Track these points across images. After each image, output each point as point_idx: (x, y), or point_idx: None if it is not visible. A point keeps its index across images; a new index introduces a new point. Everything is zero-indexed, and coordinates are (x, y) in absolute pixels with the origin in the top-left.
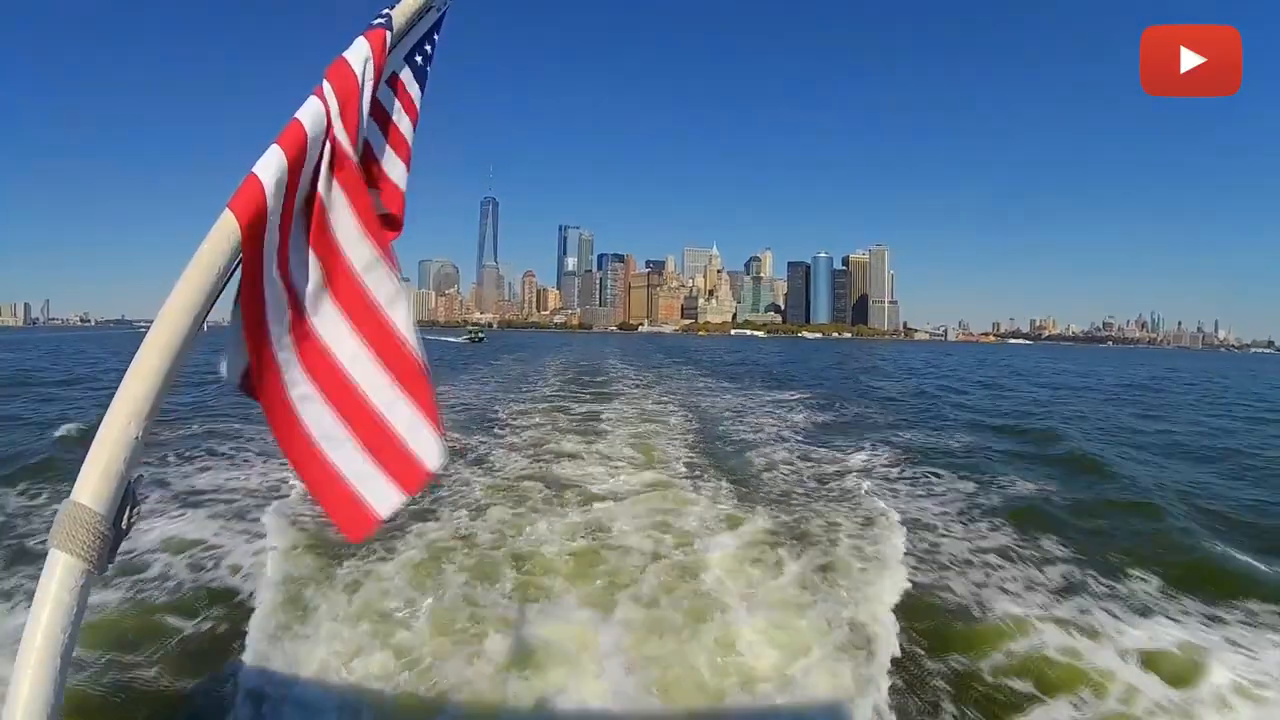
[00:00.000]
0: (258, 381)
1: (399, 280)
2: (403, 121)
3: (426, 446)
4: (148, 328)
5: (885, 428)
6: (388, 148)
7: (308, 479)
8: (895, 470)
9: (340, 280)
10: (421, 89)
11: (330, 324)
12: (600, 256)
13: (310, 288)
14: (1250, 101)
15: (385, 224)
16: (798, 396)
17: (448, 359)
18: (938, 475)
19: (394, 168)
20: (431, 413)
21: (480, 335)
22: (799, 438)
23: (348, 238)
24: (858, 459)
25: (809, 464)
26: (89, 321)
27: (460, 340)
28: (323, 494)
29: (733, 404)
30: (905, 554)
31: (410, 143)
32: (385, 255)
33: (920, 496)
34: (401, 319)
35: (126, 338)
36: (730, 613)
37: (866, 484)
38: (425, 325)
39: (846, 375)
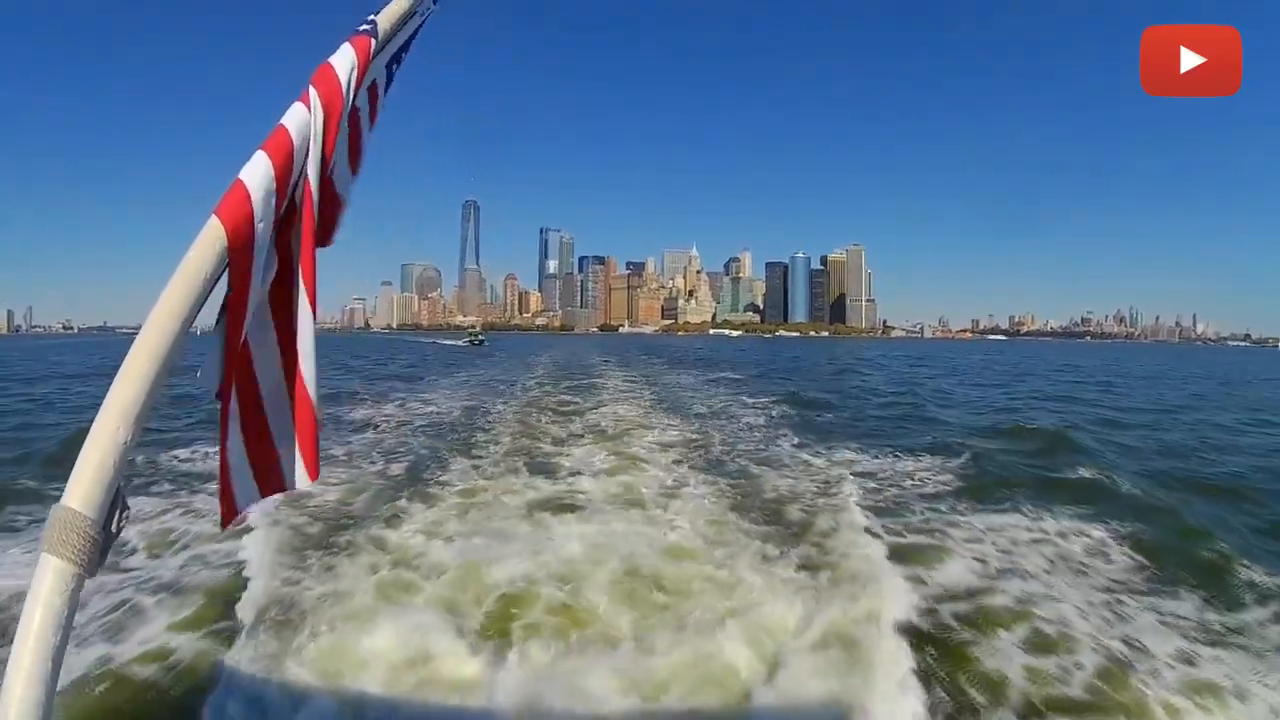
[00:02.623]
0: (224, 383)
1: (311, 300)
2: (366, 131)
3: (289, 462)
4: (129, 334)
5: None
6: (348, 157)
7: (220, 463)
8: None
9: (285, 291)
10: (386, 94)
11: (262, 330)
12: (581, 259)
13: (274, 293)
14: (1247, 101)
15: (319, 234)
16: (726, 375)
17: (444, 360)
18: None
19: (346, 179)
20: (307, 433)
21: (481, 339)
22: (718, 396)
23: (302, 251)
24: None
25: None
26: (71, 329)
27: (460, 344)
28: (221, 478)
29: (680, 380)
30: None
31: (364, 152)
32: (309, 272)
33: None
34: (305, 338)
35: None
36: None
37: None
38: (408, 329)
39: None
